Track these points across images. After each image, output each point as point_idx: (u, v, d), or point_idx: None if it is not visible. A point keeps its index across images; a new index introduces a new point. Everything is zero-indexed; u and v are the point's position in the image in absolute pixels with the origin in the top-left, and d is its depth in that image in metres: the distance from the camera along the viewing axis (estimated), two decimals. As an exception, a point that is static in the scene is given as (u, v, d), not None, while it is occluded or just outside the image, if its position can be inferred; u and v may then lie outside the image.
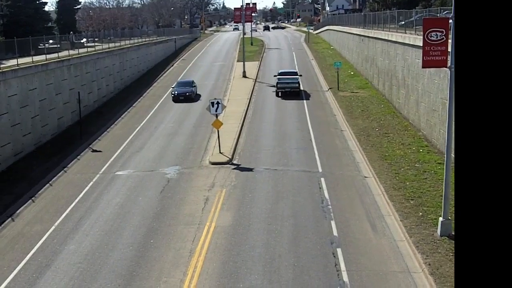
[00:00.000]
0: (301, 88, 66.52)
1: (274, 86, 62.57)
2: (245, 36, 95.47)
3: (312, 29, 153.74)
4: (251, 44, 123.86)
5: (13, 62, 46.25)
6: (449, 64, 26.28)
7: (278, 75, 67.25)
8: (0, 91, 40.96)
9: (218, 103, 41.54)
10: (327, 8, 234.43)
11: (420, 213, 28.64)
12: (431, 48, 28.01)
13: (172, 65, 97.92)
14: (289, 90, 64.16)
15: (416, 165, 36.76)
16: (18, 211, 32.45)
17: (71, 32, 75.03)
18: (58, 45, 64.59)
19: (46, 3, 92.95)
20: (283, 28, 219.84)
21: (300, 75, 70.26)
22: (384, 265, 24.19)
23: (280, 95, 64.51)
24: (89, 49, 66.44)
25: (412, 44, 46.32)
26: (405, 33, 50.92)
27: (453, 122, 25.13)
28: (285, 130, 49.01)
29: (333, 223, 28.59)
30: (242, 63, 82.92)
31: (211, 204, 31.78)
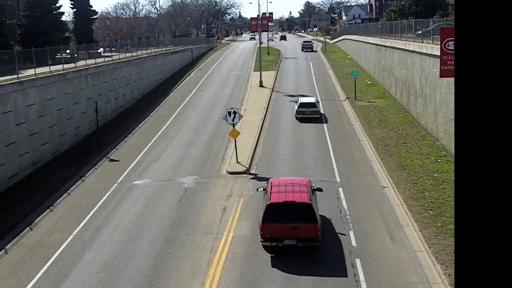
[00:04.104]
0: (314, 49, 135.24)
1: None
2: (261, 45, 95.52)
3: (328, 39, 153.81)
4: (268, 54, 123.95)
5: (31, 71, 46.47)
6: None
7: (303, 43, 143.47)
8: (18, 100, 41.17)
9: (235, 112, 41.48)
10: (344, 18, 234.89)
11: (439, 224, 28.43)
12: (449, 57, 27.93)
13: (189, 75, 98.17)
14: (308, 50, 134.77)
15: (434, 175, 36.54)
16: (36, 220, 32.52)
17: (70, 44, 74.40)
18: (76, 55, 64.91)
19: (63, 13, 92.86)
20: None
21: (313, 43, 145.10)
22: (403, 275, 24.02)
23: (303, 50, 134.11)
24: (106, 59, 66.65)
25: (429, 54, 46.16)
26: (422, 42, 50.75)
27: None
28: (303, 139, 48.90)
29: (351, 233, 28.45)
30: (258, 72, 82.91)
31: (229, 214, 31.73)
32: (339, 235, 28.27)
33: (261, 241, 26.45)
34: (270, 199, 26.87)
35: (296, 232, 25.85)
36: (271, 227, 26.01)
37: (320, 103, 61.72)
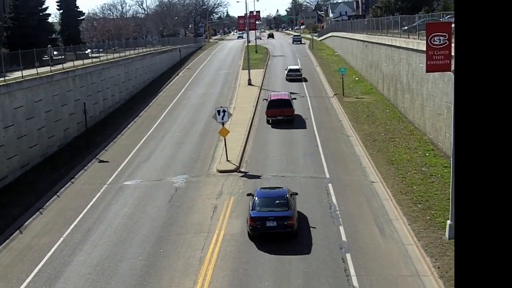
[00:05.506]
0: (302, 42, 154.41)
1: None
2: (249, 44, 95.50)
3: (316, 36, 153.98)
4: (256, 52, 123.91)
5: (17, 74, 46.23)
6: (452, 68, 26.26)
7: (293, 37, 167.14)
8: (5, 103, 41.04)
9: (224, 111, 41.53)
10: (331, 15, 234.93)
11: (428, 217, 28.62)
12: (435, 52, 28.01)
13: (178, 74, 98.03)
14: (297, 42, 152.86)
15: (422, 169, 36.74)
16: (26, 223, 32.46)
17: (49, 46, 73.54)
18: (63, 56, 64.66)
19: (49, 14, 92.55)
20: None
21: (301, 37, 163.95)
22: (394, 269, 24.19)
23: (293, 43, 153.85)
24: (94, 60, 66.47)
25: (415, 49, 46.30)
26: (409, 38, 50.89)
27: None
28: (292, 136, 48.99)
29: (341, 228, 28.60)
30: (247, 71, 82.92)
31: (220, 212, 31.78)
32: (305, 119, 54.35)
33: (266, 119, 54.09)
34: (270, 98, 55.40)
35: (283, 112, 53.26)
36: (271, 111, 53.60)
37: (302, 69, 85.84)
